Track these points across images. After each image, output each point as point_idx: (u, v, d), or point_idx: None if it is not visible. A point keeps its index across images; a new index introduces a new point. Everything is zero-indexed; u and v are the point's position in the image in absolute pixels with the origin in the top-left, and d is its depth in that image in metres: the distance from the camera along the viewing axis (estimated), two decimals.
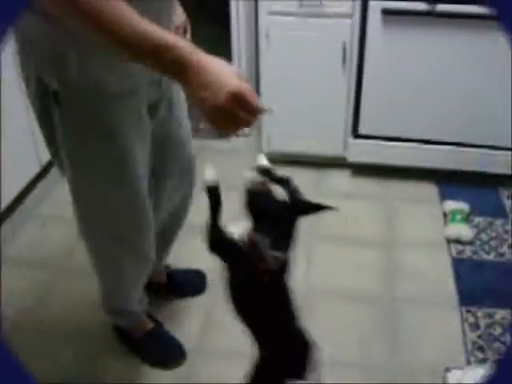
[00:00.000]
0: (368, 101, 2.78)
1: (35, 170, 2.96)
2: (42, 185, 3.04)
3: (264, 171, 1.49)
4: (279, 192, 1.41)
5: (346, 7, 2.61)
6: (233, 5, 3.05)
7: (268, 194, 1.42)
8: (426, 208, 2.81)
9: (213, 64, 1.21)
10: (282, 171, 3.00)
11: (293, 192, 1.46)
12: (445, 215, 2.73)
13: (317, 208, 1.51)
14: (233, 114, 1.20)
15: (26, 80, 1.52)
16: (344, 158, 2.98)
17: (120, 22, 1.17)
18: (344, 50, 2.68)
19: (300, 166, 3.09)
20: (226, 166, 3.03)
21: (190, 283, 2.39)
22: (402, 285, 2.39)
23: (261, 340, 1.58)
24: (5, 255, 2.61)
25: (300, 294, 2.29)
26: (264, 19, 2.71)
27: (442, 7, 2.50)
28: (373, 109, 2.80)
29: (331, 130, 2.92)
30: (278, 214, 1.41)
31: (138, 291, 2.05)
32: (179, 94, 1.80)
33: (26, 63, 1.50)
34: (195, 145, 2.65)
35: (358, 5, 2.60)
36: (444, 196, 2.85)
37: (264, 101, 2.90)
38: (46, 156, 2.97)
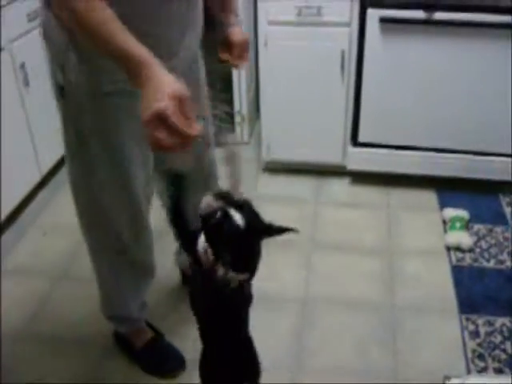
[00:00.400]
0: (367, 109, 2.78)
1: (36, 179, 2.97)
2: (42, 194, 3.05)
3: (222, 196, 1.44)
4: (236, 217, 1.38)
5: (344, 16, 2.63)
6: None
7: (223, 219, 1.38)
8: (425, 215, 2.81)
9: (156, 78, 1.20)
10: (281, 179, 3.06)
11: (250, 216, 1.44)
12: (444, 223, 2.73)
13: (278, 231, 1.52)
14: (152, 134, 1.17)
15: (50, 71, 1.60)
16: (343, 166, 2.99)
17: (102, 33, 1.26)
18: (342, 58, 2.69)
19: (299, 174, 3.11)
20: (223, 174, 3.05)
21: None
22: (402, 292, 2.39)
23: (205, 339, 1.65)
24: (6, 264, 2.62)
25: (300, 302, 2.34)
26: (263, 28, 2.73)
27: (439, 15, 2.52)
28: (372, 117, 2.81)
29: (330, 138, 2.93)
30: (233, 237, 1.39)
31: (138, 299, 2.05)
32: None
33: (48, 56, 1.58)
34: None
35: (356, 13, 2.61)
36: (444, 203, 2.85)
37: (264, 108, 2.92)
38: (46, 165, 3.01)
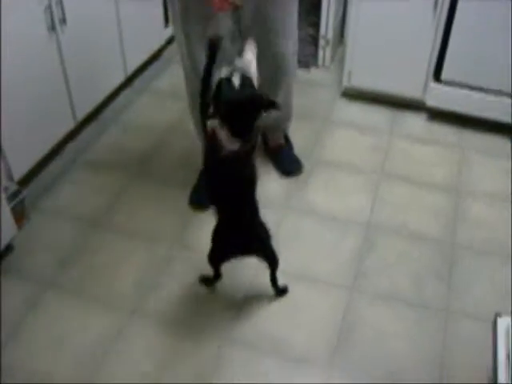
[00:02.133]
0: (455, 46, 2.75)
1: (121, 78, 3.08)
2: (126, 94, 3.17)
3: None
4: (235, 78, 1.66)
5: None
6: None
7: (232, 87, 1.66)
8: (497, 161, 2.81)
9: None
10: (358, 107, 3.09)
11: (246, 82, 1.68)
12: None
13: (268, 104, 1.72)
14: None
15: None
16: (422, 102, 2.99)
17: None
18: None
19: (377, 103, 3.12)
20: (303, 96, 3.12)
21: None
22: (464, 231, 2.44)
23: (218, 207, 1.93)
24: (86, 156, 2.79)
25: (363, 226, 2.43)
26: None
27: None
28: (458, 56, 2.78)
29: (413, 71, 2.91)
30: (237, 105, 1.66)
31: None
32: None
33: None
34: None
35: None
36: None
37: (350, 34, 2.92)
38: (132, 66, 3.12)
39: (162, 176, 2.67)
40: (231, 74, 1.68)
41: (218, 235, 2.00)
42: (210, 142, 1.76)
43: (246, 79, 1.69)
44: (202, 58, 1.96)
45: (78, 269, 2.24)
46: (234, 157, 1.74)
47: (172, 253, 2.31)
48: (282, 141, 2.76)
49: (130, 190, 2.60)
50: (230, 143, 1.71)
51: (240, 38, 2.10)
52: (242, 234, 1.96)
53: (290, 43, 2.33)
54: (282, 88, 2.43)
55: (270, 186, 2.61)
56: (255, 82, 1.76)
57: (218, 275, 2.17)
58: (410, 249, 2.36)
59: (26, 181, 2.52)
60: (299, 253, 2.32)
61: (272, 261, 2.07)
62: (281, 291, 2.17)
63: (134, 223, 2.43)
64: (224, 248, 2.04)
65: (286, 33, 2.27)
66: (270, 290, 2.15)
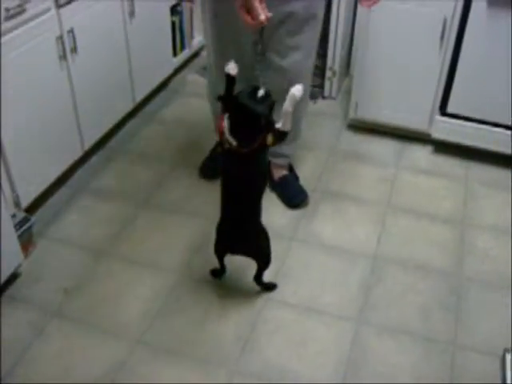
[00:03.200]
0: (461, 80, 2.78)
1: (128, 107, 3.11)
2: (132, 123, 3.21)
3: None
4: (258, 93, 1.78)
5: None
6: None
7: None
8: (502, 194, 2.81)
9: None
10: (364, 138, 3.11)
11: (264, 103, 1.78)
12: None
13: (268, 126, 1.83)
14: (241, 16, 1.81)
15: None
16: (428, 134, 3.01)
17: None
18: (444, 26, 2.68)
19: (383, 135, 3.14)
20: (309, 127, 3.14)
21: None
22: (470, 264, 2.43)
23: (223, 202, 2.04)
24: (92, 185, 2.79)
25: (370, 257, 2.42)
26: None
27: None
28: (464, 89, 2.80)
29: (419, 104, 2.94)
30: (242, 109, 1.78)
31: None
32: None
33: None
34: None
35: None
36: None
37: (357, 66, 2.95)
38: (139, 95, 3.15)
39: (169, 205, 2.67)
40: (259, 87, 1.79)
41: (219, 229, 2.14)
42: (218, 127, 1.90)
43: (268, 98, 1.79)
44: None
45: (83, 298, 2.23)
46: (234, 152, 1.87)
47: (178, 283, 2.30)
48: (287, 171, 2.78)
49: (136, 218, 2.60)
50: (229, 138, 1.84)
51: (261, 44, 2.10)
52: (240, 233, 2.09)
53: (308, 59, 2.42)
54: None
55: (276, 217, 2.61)
56: (287, 127, 1.86)
57: (222, 268, 2.28)
58: (416, 281, 2.35)
59: (33, 208, 2.53)
60: (306, 284, 2.31)
61: (263, 264, 2.20)
62: (267, 287, 2.28)
63: (140, 252, 2.43)
64: (223, 243, 2.17)
65: (306, 47, 2.36)
66: (279, 319, 2.16)
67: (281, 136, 1.87)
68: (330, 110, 3.38)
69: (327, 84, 3.42)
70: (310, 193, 2.74)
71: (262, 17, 1.79)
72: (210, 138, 2.97)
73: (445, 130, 2.94)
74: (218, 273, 2.31)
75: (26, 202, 2.44)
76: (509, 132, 2.84)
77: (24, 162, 2.38)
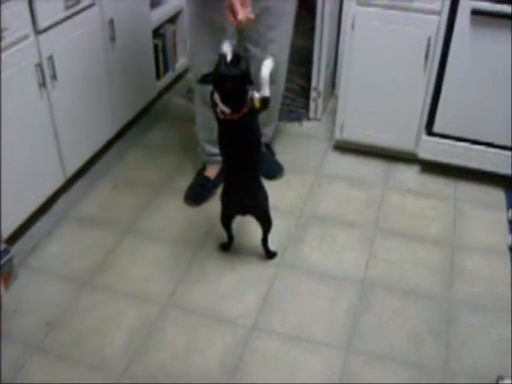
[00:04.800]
0: (446, 100, 2.76)
1: (111, 132, 3.07)
2: (116, 148, 3.16)
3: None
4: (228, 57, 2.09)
5: (435, 4, 2.59)
6: None
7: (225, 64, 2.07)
8: (491, 213, 2.79)
9: None
10: (350, 159, 3.08)
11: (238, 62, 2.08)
12: (510, 223, 2.71)
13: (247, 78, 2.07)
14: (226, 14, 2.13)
15: None
16: (415, 154, 2.98)
17: None
18: (428, 46, 2.66)
19: (369, 156, 3.11)
20: (295, 149, 3.12)
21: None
22: (460, 286, 2.39)
23: (224, 160, 2.29)
24: (74, 213, 2.73)
25: (358, 283, 2.38)
26: (351, 9, 2.72)
27: None
28: (450, 108, 2.78)
29: (405, 124, 2.92)
30: (222, 78, 2.05)
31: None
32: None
33: None
34: None
35: (447, 2, 2.57)
36: (511, 203, 2.82)
37: (342, 87, 2.93)
38: (121, 121, 3.12)
39: (154, 232, 2.63)
40: (226, 53, 2.11)
41: (224, 195, 2.35)
42: (213, 106, 2.15)
43: (238, 59, 2.08)
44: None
45: (66, 331, 2.17)
46: (229, 120, 2.12)
47: (163, 314, 2.25)
48: (264, 148, 2.90)
49: (120, 246, 2.55)
50: (223, 108, 2.09)
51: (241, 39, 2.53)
52: (243, 193, 2.30)
53: (283, 51, 2.68)
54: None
55: None
56: (267, 93, 2.13)
57: (230, 237, 2.48)
58: (405, 306, 2.31)
59: (13, 238, 2.48)
60: (294, 312, 2.26)
61: (266, 223, 2.38)
62: (271, 254, 2.47)
63: (124, 282, 2.38)
64: (229, 206, 2.35)
65: (281, 40, 2.62)
66: (267, 349, 2.11)
67: (265, 102, 2.13)
68: (315, 131, 3.36)
69: (312, 105, 3.39)
70: (296, 217, 2.71)
71: (240, 16, 2.10)
72: (194, 162, 2.95)
73: (431, 149, 2.91)
74: (227, 245, 2.50)
75: (6, 232, 2.39)
76: (496, 150, 2.82)
77: (4, 191, 2.32)
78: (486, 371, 2.05)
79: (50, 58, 2.44)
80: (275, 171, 2.95)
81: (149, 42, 3.27)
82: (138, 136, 3.28)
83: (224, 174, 2.37)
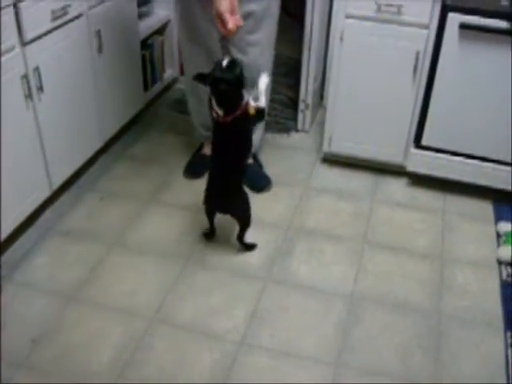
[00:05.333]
0: (435, 113, 2.76)
1: (98, 144, 3.05)
2: (102, 160, 3.13)
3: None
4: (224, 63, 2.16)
5: (423, 17, 2.59)
6: (309, 4, 3.07)
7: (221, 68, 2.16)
8: (480, 226, 2.79)
9: None
10: (338, 172, 3.07)
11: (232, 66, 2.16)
12: (498, 236, 2.71)
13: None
14: (216, 22, 2.19)
15: None
16: (403, 167, 2.98)
17: None
18: (417, 59, 2.67)
19: (357, 169, 3.11)
20: (283, 162, 3.11)
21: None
22: (449, 300, 2.39)
23: (212, 159, 2.42)
24: (61, 226, 2.70)
25: (347, 297, 2.37)
26: (340, 22, 2.72)
27: None
28: (439, 121, 2.78)
29: (394, 137, 2.92)
30: (217, 81, 2.15)
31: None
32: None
33: None
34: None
35: (436, 16, 2.58)
36: (499, 216, 2.82)
37: (330, 100, 2.92)
38: (108, 132, 3.09)
39: (141, 245, 2.60)
40: (223, 58, 2.19)
41: (206, 191, 2.44)
42: (209, 108, 2.26)
43: (234, 65, 2.16)
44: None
45: (52, 347, 2.14)
46: (222, 122, 2.23)
47: (150, 329, 2.22)
48: (251, 159, 2.92)
49: (107, 260, 2.52)
50: (217, 109, 2.20)
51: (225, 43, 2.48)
52: (223, 195, 2.42)
53: (264, 55, 2.69)
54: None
55: (251, 257, 2.56)
56: (263, 103, 2.27)
57: (212, 229, 2.59)
58: (394, 320, 2.30)
59: None
60: (283, 327, 2.24)
61: (244, 223, 2.49)
62: (249, 246, 2.56)
63: (111, 296, 2.35)
64: (211, 202, 2.47)
65: (262, 44, 2.65)
66: (256, 365, 2.08)
67: (260, 112, 2.27)
68: (303, 143, 3.35)
69: (300, 116, 3.38)
70: (284, 230, 2.69)
71: (230, 26, 2.17)
72: (181, 173, 2.94)
73: (420, 162, 2.91)
74: (209, 235, 2.61)
75: None
76: (484, 163, 2.82)
77: None
78: None
79: (37, 69, 2.42)
80: (263, 184, 2.95)
81: (137, 52, 3.25)
82: (126, 148, 3.25)
83: (209, 172, 2.44)
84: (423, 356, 2.15)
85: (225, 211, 2.48)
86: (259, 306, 2.32)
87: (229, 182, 2.39)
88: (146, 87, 3.46)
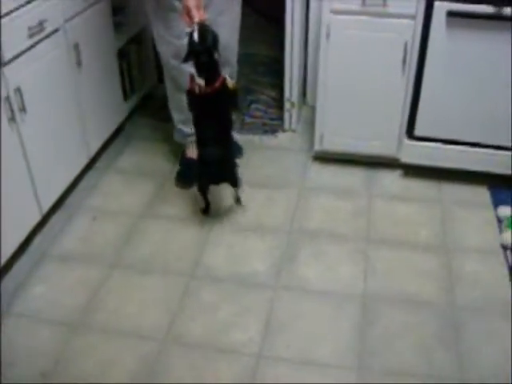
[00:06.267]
0: (426, 103, 2.73)
1: (84, 160, 2.95)
2: (89, 177, 3.04)
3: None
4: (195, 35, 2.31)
5: (409, 8, 2.56)
6: (288, 5, 3.03)
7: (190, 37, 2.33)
8: (479, 212, 2.77)
9: None
10: (331, 169, 3.02)
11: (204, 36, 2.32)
12: (499, 221, 2.69)
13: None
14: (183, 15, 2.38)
15: None
16: (396, 159, 2.95)
17: None
18: (405, 50, 2.63)
19: (350, 164, 3.07)
20: (274, 164, 3.04)
21: None
22: (461, 291, 2.36)
23: (198, 137, 2.59)
24: (52, 250, 2.61)
25: (359, 298, 2.32)
26: (326, 17, 2.66)
27: (508, 10, 2.44)
28: (430, 111, 2.75)
29: (386, 130, 2.88)
30: (194, 51, 2.33)
31: None
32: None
33: None
34: (244, 139, 3.22)
35: (422, 6, 2.54)
36: (497, 201, 2.81)
37: (320, 97, 2.87)
38: (94, 146, 2.99)
39: (141, 263, 2.52)
40: (193, 31, 2.32)
41: (200, 167, 2.61)
42: (190, 82, 2.43)
43: (204, 33, 2.32)
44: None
45: (62, 379, 2.04)
46: (204, 94, 2.39)
47: (163, 350, 2.14)
48: None
49: (108, 282, 2.43)
50: (199, 81, 2.36)
51: None
52: (216, 166, 2.56)
53: (233, 36, 2.83)
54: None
55: (257, 263, 2.50)
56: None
57: (207, 203, 2.73)
58: (409, 317, 2.26)
59: None
60: (298, 336, 2.19)
61: (237, 186, 2.71)
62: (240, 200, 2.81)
63: (118, 320, 2.26)
64: (204, 176, 2.64)
65: (230, 25, 2.78)
66: (276, 377, 2.02)
67: (236, 90, 2.55)
68: (292, 143, 3.29)
69: (287, 116, 3.32)
70: (286, 234, 2.64)
71: (196, 20, 2.33)
72: (172, 185, 2.91)
73: (414, 153, 2.88)
74: (206, 209, 2.75)
75: None
76: (478, 149, 2.80)
77: None
78: (502, 374, 2.01)
79: (18, 89, 2.32)
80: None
81: (114, 63, 3.16)
82: (111, 161, 3.16)
83: (198, 147, 2.59)
84: (444, 352, 2.12)
85: (222, 181, 2.66)
86: (272, 316, 2.26)
87: (221, 153, 2.53)
88: (125, 97, 3.36)
